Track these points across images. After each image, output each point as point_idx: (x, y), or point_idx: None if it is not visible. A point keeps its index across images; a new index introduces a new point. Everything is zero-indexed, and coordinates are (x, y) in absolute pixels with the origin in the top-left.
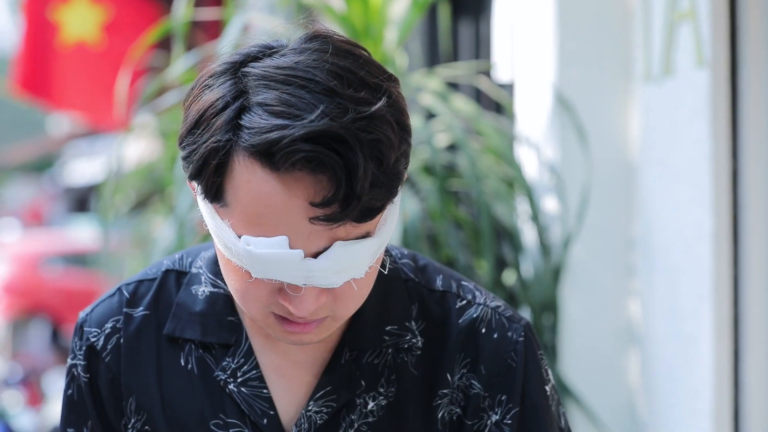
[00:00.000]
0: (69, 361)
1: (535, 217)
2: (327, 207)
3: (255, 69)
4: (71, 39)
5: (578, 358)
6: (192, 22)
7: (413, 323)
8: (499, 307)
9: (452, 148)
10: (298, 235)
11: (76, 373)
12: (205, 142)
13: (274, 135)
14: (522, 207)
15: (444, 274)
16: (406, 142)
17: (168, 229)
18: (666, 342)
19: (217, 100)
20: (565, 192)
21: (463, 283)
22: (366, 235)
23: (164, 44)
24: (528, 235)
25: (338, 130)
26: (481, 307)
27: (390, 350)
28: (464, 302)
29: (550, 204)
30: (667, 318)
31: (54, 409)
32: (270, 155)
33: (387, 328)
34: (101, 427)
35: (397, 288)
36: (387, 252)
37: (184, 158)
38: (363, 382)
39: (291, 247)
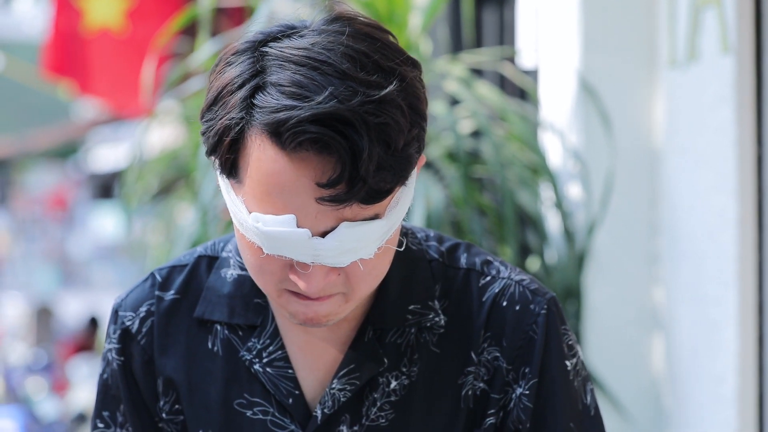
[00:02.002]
0: (105, 346)
1: (559, 203)
2: (332, 188)
3: (273, 49)
4: (95, 25)
5: (602, 345)
6: (216, 8)
7: (436, 302)
8: (523, 280)
9: (476, 134)
10: (306, 215)
11: (110, 357)
12: (221, 119)
13: (282, 115)
14: (546, 194)
15: (470, 252)
16: (419, 127)
17: (192, 216)
18: (690, 328)
19: (235, 78)
20: (589, 179)
21: (489, 259)
22: (374, 217)
23: (188, 30)
24: (552, 221)
25: (344, 112)
26: (504, 280)
27: (413, 330)
28: (488, 278)
29: (574, 191)
30: (692, 304)
31: (78, 396)
32: (278, 135)
33: (410, 307)
34: (133, 411)
35: (421, 268)
36: (412, 234)
37: (203, 133)
38: (386, 360)
39: (299, 226)
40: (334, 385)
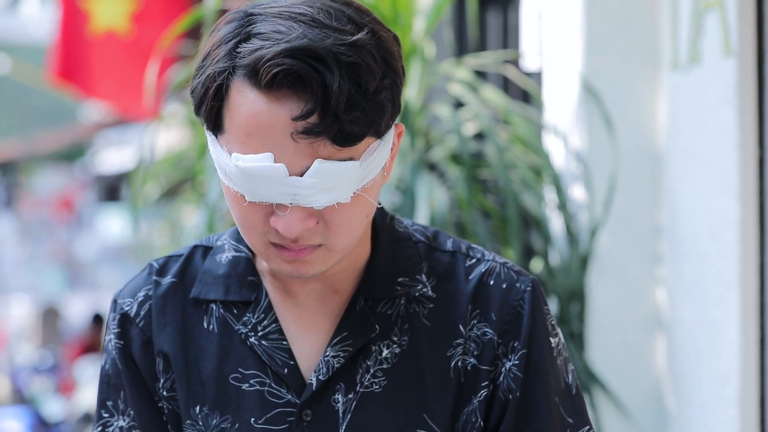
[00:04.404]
0: (106, 338)
1: (563, 205)
2: (305, 120)
3: (257, 9)
4: (101, 28)
5: (605, 346)
6: (221, 10)
7: (423, 276)
8: (507, 263)
9: (480, 136)
10: (283, 152)
11: (110, 346)
12: (208, 71)
13: (258, 53)
14: (549, 195)
15: (454, 239)
16: (391, 79)
17: (198, 217)
18: (692, 329)
19: (223, 36)
20: (592, 180)
21: (473, 245)
22: (349, 160)
23: (193, 33)
24: (555, 223)
25: (317, 48)
26: (489, 262)
27: (402, 300)
28: (473, 260)
29: (577, 192)
30: (694, 305)
31: (84, 396)
32: (256, 72)
33: (399, 280)
34: (135, 393)
35: (408, 247)
36: (398, 220)
37: (191, 93)
38: (377, 327)
39: (275, 162)
40: (328, 353)
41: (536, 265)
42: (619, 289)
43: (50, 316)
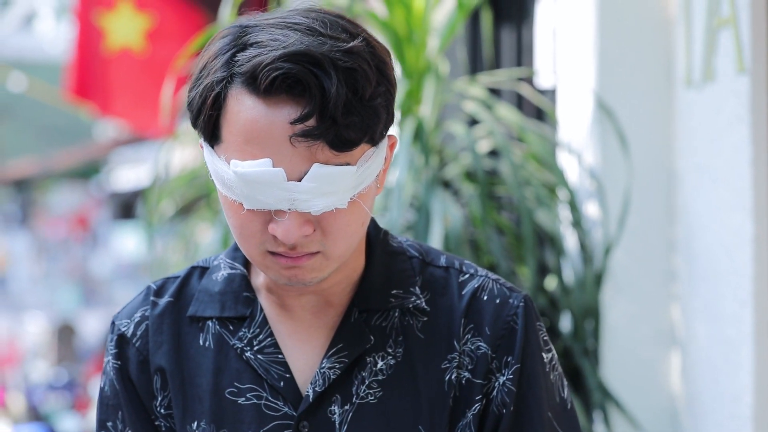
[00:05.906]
0: (105, 360)
1: (577, 222)
2: (303, 122)
3: (252, 22)
4: (116, 45)
5: (620, 363)
6: None
7: (417, 289)
8: (499, 279)
9: (494, 154)
10: (281, 157)
11: (108, 367)
12: (205, 82)
13: (256, 59)
14: (564, 213)
15: (447, 255)
16: (385, 87)
17: (213, 235)
18: (707, 347)
19: (219, 49)
20: (606, 198)
21: (465, 262)
22: (346, 165)
23: None
24: (570, 240)
25: (315, 53)
26: (482, 278)
27: (396, 313)
28: (467, 276)
29: (591, 210)
30: (708, 323)
31: None
32: (254, 78)
33: (393, 292)
34: (132, 412)
35: (401, 261)
36: (392, 236)
37: (188, 106)
38: (372, 338)
39: (274, 167)
40: (323, 364)
41: (551, 282)
42: (634, 307)
43: (65, 333)
